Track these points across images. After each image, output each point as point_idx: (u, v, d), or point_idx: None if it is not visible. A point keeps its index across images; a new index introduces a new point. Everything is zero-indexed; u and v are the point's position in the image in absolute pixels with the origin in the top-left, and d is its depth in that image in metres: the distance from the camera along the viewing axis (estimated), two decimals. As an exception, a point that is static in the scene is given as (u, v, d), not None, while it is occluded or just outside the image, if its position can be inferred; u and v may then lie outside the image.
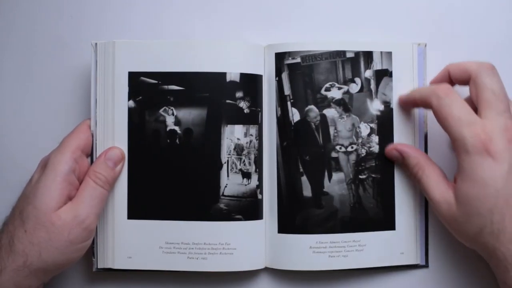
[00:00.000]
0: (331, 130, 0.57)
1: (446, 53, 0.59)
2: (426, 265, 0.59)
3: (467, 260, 0.59)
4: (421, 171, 0.53)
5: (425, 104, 0.52)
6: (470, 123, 0.48)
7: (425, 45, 0.58)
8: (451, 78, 0.54)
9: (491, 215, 0.47)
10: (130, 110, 0.56)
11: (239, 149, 0.57)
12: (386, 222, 0.57)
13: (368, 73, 0.57)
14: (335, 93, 0.57)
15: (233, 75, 0.56)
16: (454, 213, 0.49)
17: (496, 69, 0.51)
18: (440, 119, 0.50)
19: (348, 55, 0.57)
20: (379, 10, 0.61)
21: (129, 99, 0.56)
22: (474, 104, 0.51)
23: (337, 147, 0.57)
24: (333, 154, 0.57)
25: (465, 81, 0.52)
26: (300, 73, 0.57)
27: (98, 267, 0.57)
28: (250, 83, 0.57)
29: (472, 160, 0.47)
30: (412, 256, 0.57)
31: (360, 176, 0.57)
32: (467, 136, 0.48)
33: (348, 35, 0.60)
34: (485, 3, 0.61)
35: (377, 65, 0.57)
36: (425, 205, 0.58)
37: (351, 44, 0.57)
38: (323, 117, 0.57)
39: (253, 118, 0.57)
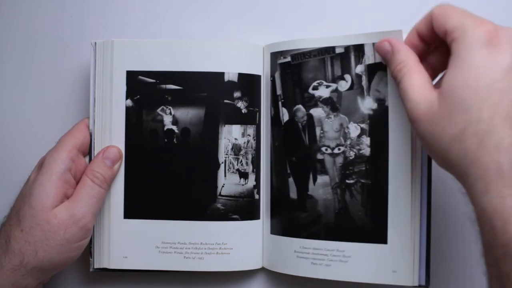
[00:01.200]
0: (317, 131, 0.54)
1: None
2: (426, 286, 0.51)
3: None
4: (406, 69, 0.45)
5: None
6: (474, 17, 0.42)
7: None
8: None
9: (479, 110, 0.38)
10: (127, 109, 0.56)
11: (236, 149, 0.56)
12: (376, 234, 0.52)
13: (359, 69, 0.53)
14: (323, 92, 0.54)
15: (231, 75, 0.56)
16: (433, 111, 0.41)
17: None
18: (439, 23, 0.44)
19: (338, 50, 0.53)
20: (382, 8, 0.60)
21: (126, 98, 0.56)
22: None
23: (323, 149, 0.54)
24: (319, 156, 0.54)
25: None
26: (290, 72, 0.56)
27: (95, 267, 0.57)
28: (248, 83, 0.56)
29: (471, 46, 0.40)
30: (406, 276, 0.51)
31: (347, 181, 0.53)
32: (469, 24, 0.41)
33: (349, 32, 0.59)
34: None
35: (369, 59, 0.52)
36: (427, 218, 0.51)
37: (341, 39, 0.53)
38: (310, 117, 0.55)
39: (250, 118, 0.57)
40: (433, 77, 0.47)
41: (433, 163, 0.52)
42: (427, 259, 0.51)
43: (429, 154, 0.45)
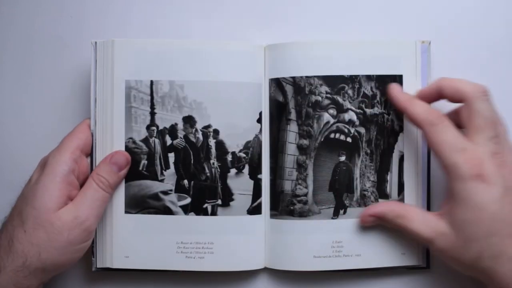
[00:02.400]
0: None
1: (447, 51, 0.59)
2: (427, 267, 0.58)
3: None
4: (401, 219, 0.52)
5: (417, 125, 0.52)
6: (462, 149, 0.49)
7: (429, 43, 0.57)
8: (442, 94, 0.53)
9: (489, 238, 0.47)
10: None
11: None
12: None
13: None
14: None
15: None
16: (452, 242, 0.49)
17: (489, 92, 0.51)
18: (433, 144, 0.50)
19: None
20: (381, 9, 0.60)
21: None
22: (457, 121, 0.52)
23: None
24: None
25: (457, 101, 0.52)
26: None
27: (98, 266, 0.57)
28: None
29: (466, 186, 0.48)
30: (413, 257, 0.57)
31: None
32: (460, 162, 0.48)
33: (350, 32, 0.60)
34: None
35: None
36: (427, 201, 0.57)
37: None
38: None
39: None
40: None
41: (432, 158, 0.56)
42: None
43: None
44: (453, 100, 0.53)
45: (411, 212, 0.53)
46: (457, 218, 0.49)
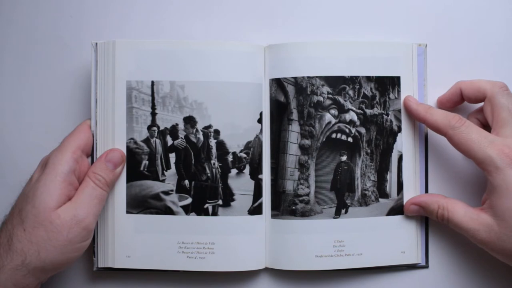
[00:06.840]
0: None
1: (444, 53, 0.60)
2: (426, 266, 0.59)
3: (466, 260, 0.59)
4: (445, 211, 0.54)
5: (439, 132, 0.53)
6: (490, 142, 0.50)
7: (426, 46, 0.58)
8: (462, 96, 0.56)
9: None
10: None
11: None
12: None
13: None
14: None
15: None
16: (496, 233, 0.50)
17: (507, 87, 0.53)
18: (460, 145, 0.52)
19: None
20: (380, 11, 0.61)
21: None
22: (480, 121, 0.55)
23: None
24: None
25: (478, 100, 0.54)
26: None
27: (99, 266, 0.57)
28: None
29: (505, 174, 0.49)
30: (413, 255, 0.57)
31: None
32: (493, 154, 0.50)
33: (348, 36, 0.60)
34: (483, 2, 0.61)
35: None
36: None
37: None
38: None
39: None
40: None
41: (430, 158, 0.57)
42: (426, 243, 0.58)
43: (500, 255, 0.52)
44: (474, 99, 0.55)
45: (455, 204, 0.54)
46: (500, 208, 0.50)
